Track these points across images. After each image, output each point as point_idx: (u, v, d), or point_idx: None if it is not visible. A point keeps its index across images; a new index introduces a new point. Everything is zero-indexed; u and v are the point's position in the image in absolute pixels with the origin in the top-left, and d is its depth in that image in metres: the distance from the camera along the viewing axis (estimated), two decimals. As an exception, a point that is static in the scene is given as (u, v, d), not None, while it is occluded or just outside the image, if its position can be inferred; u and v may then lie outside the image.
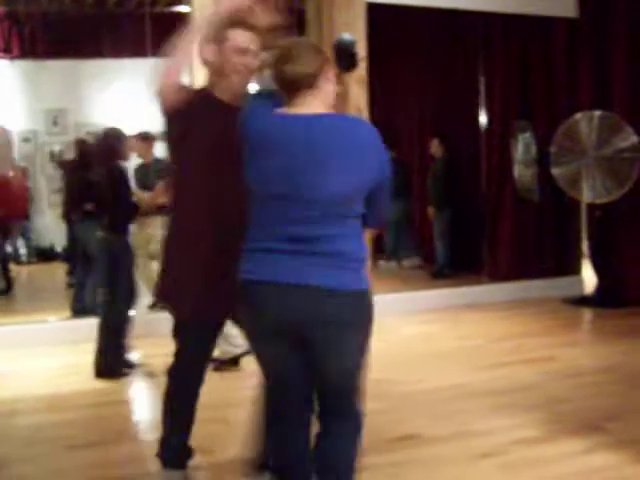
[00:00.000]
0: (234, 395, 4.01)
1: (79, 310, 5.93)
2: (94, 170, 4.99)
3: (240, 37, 2.53)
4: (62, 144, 8.42)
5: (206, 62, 2.58)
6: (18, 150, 9.88)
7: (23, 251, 9.64)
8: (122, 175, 4.63)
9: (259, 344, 2.30)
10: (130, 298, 4.69)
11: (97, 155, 4.88)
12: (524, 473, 3.04)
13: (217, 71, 2.57)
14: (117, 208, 4.58)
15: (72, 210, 6.45)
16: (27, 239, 9.60)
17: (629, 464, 3.10)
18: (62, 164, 7.56)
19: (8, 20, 8.36)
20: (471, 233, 7.86)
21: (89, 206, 5.55)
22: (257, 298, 2.19)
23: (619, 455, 3.19)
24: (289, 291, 2.12)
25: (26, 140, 9.90)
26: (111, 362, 4.60)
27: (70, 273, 7.16)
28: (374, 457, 3.23)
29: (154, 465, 2.93)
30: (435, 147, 8.08)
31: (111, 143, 4.64)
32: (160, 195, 4.79)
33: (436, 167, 8.06)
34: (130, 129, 6.12)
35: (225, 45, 2.53)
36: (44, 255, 9.27)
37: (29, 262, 9.59)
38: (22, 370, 4.88)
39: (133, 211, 4.70)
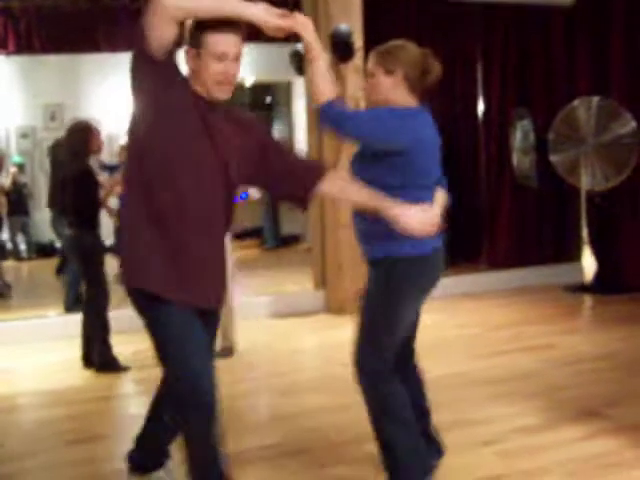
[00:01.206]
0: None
1: (69, 306, 5.91)
2: (64, 166, 4.89)
3: (221, 42, 2.20)
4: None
5: (188, 66, 2.32)
6: (16, 146, 9.89)
7: (23, 247, 9.66)
8: (86, 170, 4.52)
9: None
10: (103, 294, 4.60)
11: (66, 150, 4.78)
12: (524, 460, 3.05)
13: (196, 78, 2.27)
14: (80, 204, 4.49)
15: (50, 207, 6.47)
16: (27, 235, 9.62)
17: (628, 449, 3.10)
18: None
19: (3, 15, 8.32)
20: (470, 221, 7.85)
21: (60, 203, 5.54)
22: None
23: (618, 440, 3.19)
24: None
25: (24, 136, 9.90)
26: (99, 356, 4.59)
27: (59, 270, 7.12)
28: (371, 446, 3.23)
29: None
30: None
31: (79, 137, 4.54)
32: (118, 184, 4.76)
33: None
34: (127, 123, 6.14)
35: (202, 51, 2.22)
36: (44, 251, 9.28)
37: (29, 258, 9.61)
38: (23, 366, 4.89)
39: (97, 207, 4.61)
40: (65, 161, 4.64)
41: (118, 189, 5.01)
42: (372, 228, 2.56)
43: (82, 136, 4.54)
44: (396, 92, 2.60)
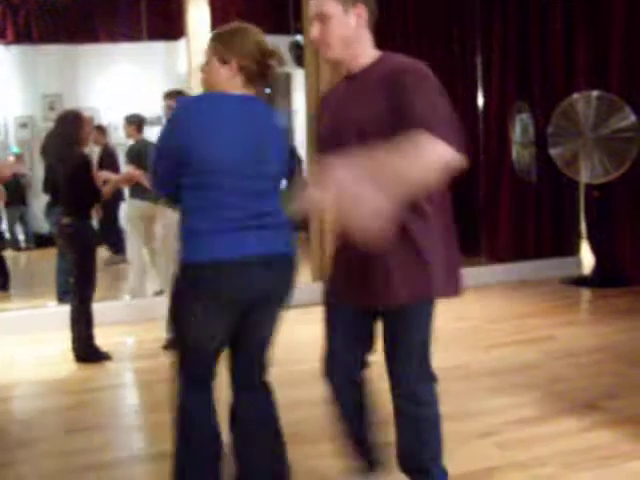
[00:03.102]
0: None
1: (61, 296, 5.91)
2: (54, 156, 4.86)
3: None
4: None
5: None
6: (15, 136, 9.87)
7: (21, 237, 9.65)
8: (82, 160, 4.48)
9: None
10: (91, 285, 4.59)
11: (55, 140, 4.75)
12: (521, 452, 3.06)
13: None
14: (76, 194, 4.47)
15: (45, 192, 6.44)
16: (25, 225, 9.61)
17: (625, 441, 3.12)
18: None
19: (2, 5, 8.31)
20: (469, 214, 7.86)
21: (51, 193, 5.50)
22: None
23: (616, 433, 3.20)
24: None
25: (23, 126, 9.89)
26: (85, 348, 4.61)
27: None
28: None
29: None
30: None
31: (67, 128, 4.51)
32: (127, 179, 4.74)
33: None
34: (126, 112, 6.12)
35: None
36: (42, 241, 9.27)
37: (27, 248, 9.61)
38: (21, 355, 4.90)
39: (93, 197, 4.56)
40: (60, 151, 4.60)
41: (127, 183, 5.01)
42: None
43: (75, 125, 4.51)
44: (232, 83, 2.35)
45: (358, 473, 2.57)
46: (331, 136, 2.30)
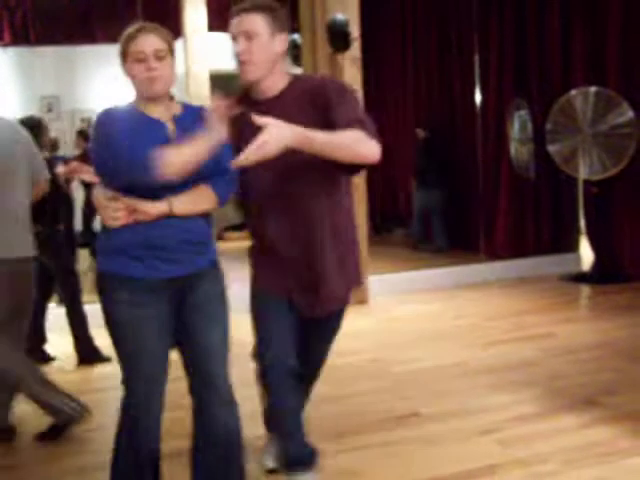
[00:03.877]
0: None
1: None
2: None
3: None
4: (57, 131, 8.37)
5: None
6: (13, 138, 9.85)
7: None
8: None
9: None
10: (78, 286, 4.60)
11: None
12: (521, 449, 3.06)
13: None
14: (40, 201, 4.42)
15: None
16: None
17: (625, 438, 3.12)
18: None
19: (-1, 7, 8.29)
20: (468, 211, 7.86)
21: None
22: None
23: (616, 429, 3.21)
24: None
25: (21, 128, 9.86)
26: (86, 350, 4.62)
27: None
28: (372, 436, 3.25)
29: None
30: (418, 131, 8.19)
31: (32, 134, 4.27)
32: (72, 171, 4.66)
33: (422, 148, 8.14)
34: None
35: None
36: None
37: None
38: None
39: (59, 202, 4.52)
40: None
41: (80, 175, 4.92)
42: None
43: (36, 132, 4.38)
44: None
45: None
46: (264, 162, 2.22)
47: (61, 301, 4.76)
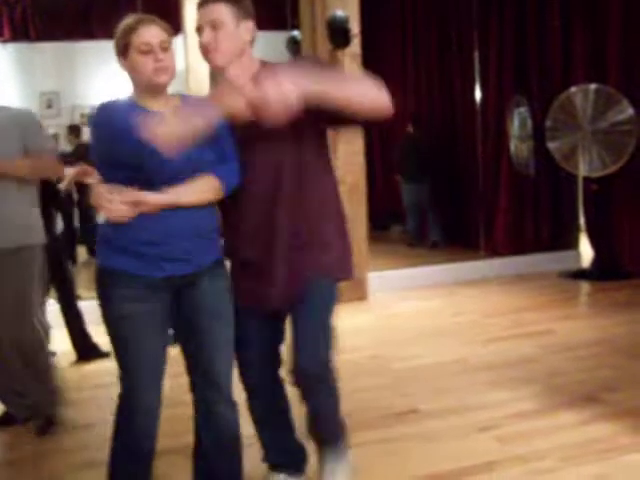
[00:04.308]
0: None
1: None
2: None
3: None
4: (57, 127, 8.38)
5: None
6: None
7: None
8: None
9: None
10: (72, 284, 4.61)
11: None
12: (520, 445, 3.07)
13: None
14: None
15: None
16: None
17: (624, 434, 3.12)
18: None
19: (-2, 3, 8.27)
20: (467, 208, 7.86)
21: None
22: None
23: (615, 426, 3.21)
24: None
25: (20, 124, 9.85)
26: (84, 346, 4.62)
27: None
28: (371, 433, 3.26)
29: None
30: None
31: None
32: (77, 175, 4.66)
33: (407, 143, 8.16)
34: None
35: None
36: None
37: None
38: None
39: (48, 199, 4.43)
40: None
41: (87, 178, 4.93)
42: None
43: None
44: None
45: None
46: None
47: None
